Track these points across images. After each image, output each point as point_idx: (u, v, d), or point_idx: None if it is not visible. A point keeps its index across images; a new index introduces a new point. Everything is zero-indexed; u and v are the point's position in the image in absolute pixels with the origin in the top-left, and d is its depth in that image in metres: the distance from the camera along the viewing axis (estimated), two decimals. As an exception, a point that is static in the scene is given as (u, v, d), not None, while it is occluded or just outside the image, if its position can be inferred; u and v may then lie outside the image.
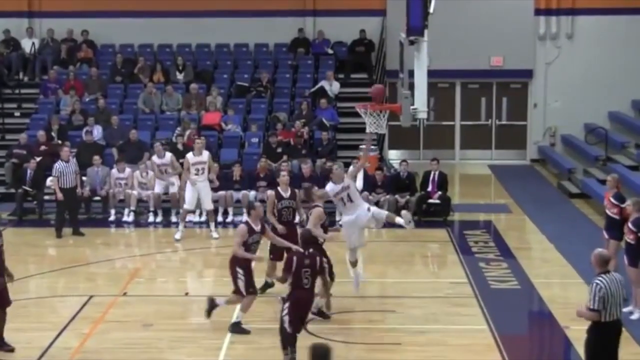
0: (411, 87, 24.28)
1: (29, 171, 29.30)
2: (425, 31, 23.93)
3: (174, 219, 28.22)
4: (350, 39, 36.59)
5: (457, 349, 17.66)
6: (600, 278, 13.68)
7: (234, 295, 18.40)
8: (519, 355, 17.71)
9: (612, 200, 21.02)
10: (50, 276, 23.90)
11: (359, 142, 29.98)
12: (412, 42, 24.22)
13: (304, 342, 17.53)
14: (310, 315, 17.69)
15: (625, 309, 16.13)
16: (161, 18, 36.66)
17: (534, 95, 37.85)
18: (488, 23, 36.00)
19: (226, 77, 35.47)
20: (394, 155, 35.18)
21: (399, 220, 19.37)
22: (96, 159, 29.21)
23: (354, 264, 19.69)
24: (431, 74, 24.95)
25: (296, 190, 21.33)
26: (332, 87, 34.10)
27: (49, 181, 27.94)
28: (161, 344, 18.04)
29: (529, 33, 37.18)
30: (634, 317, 16.23)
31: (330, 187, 19.71)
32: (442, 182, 28.94)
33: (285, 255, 17.96)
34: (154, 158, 28.59)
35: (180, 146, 29.89)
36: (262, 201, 27.22)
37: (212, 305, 18.69)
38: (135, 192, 28.77)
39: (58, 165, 27.36)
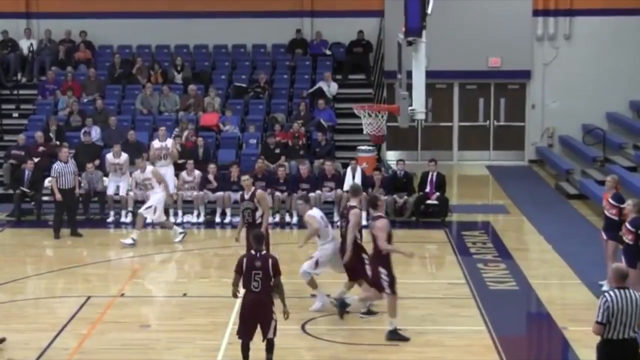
0: (409, 88, 24.29)
1: (27, 172, 29.28)
2: (424, 32, 23.95)
3: (171, 219, 28.17)
4: (348, 39, 36.62)
5: (455, 350, 17.65)
6: (610, 292, 13.25)
7: (369, 292, 18.75)
8: (517, 356, 17.70)
9: (611, 201, 21.05)
10: (48, 277, 23.89)
11: (356, 143, 30.06)
12: (410, 43, 24.24)
13: (304, 344, 17.67)
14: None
15: None
16: (159, 19, 36.71)
17: (532, 96, 37.90)
18: (486, 24, 36.05)
19: (224, 78, 35.49)
20: (392, 156, 35.16)
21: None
22: (89, 166, 29.20)
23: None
24: (429, 74, 24.96)
25: (257, 191, 21.19)
26: (330, 88, 34.14)
27: (47, 182, 27.93)
28: (159, 345, 18.06)
29: (526, 34, 37.23)
30: None
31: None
32: (440, 183, 28.93)
33: None
34: (154, 142, 28.63)
35: (178, 147, 29.83)
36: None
37: (343, 305, 18.93)
38: (132, 194, 28.77)
39: (57, 166, 27.34)
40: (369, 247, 18.89)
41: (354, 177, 28.43)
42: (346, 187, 27.96)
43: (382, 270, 18.03)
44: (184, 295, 21.66)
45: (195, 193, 28.91)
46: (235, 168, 29.25)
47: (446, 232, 27.58)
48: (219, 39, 37.27)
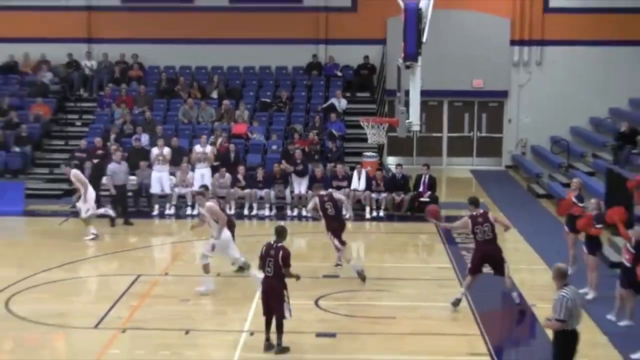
0: (406, 104, 24.33)
1: (87, 171, 29.39)
2: (419, 57, 23.97)
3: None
4: (356, 63, 36.64)
5: (443, 322, 17.75)
6: (565, 291, 12.83)
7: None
8: (493, 327, 17.74)
9: (574, 200, 21.09)
10: (105, 259, 24.00)
11: (362, 149, 30.09)
12: (408, 67, 24.27)
13: (315, 316, 17.75)
14: None
15: (581, 290, 16.16)
16: (198, 44, 36.73)
17: (509, 112, 37.86)
18: (471, 51, 36.02)
19: (252, 94, 35.49)
20: (391, 161, 35.20)
21: None
22: (142, 164, 29.36)
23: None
24: (423, 93, 25.00)
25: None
26: (341, 103, 34.10)
27: (104, 179, 28.03)
28: (196, 316, 18.16)
29: (505, 60, 37.19)
30: (588, 297, 16.29)
31: None
32: (432, 184, 29.08)
33: None
34: (196, 147, 28.71)
35: (215, 151, 30.04)
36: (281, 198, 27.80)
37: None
38: (176, 190, 28.90)
39: (111, 166, 27.61)
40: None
41: (359, 178, 28.63)
42: (353, 186, 28.23)
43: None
44: (218, 275, 21.73)
45: (226, 191, 29.00)
46: (261, 170, 29.41)
47: (436, 225, 27.57)
48: (248, 61, 37.28)
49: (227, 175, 29.23)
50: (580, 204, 20.88)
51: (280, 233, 15.88)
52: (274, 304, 15.54)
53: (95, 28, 37.68)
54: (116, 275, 21.16)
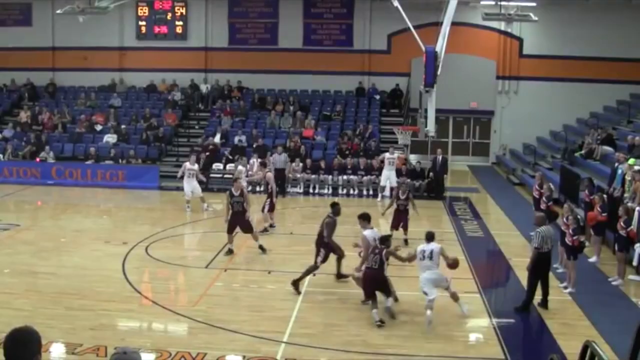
0: (425, 117, 24.21)
1: (202, 160, 29.52)
2: (435, 85, 23.80)
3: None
4: (389, 89, 36.40)
5: (446, 269, 17.50)
6: (540, 228, 14.52)
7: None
8: (483, 273, 17.61)
9: (537, 187, 21.17)
10: (212, 220, 23.96)
11: (391, 146, 29.87)
12: (427, 91, 24.18)
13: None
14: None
15: (561, 285, 15.97)
16: (280, 74, 36.67)
17: (494, 126, 37.44)
18: (469, 82, 35.66)
19: (317, 109, 35.35)
20: (413, 158, 34.94)
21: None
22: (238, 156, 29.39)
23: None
24: (436, 111, 24.87)
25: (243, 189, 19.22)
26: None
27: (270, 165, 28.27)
28: (275, 261, 18.11)
29: (492, 89, 36.77)
30: (567, 290, 15.96)
31: None
32: (444, 163, 28.68)
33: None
34: (275, 155, 28.60)
35: (290, 147, 30.09)
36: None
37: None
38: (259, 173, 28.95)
39: (275, 156, 28.32)
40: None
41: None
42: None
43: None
44: (291, 233, 21.62)
45: (299, 175, 28.98)
46: (322, 161, 29.37)
47: (443, 203, 27.40)
48: (315, 86, 37.13)
49: (300, 164, 29.22)
50: (541, 190, 20.85)
51: (383, 239, 14.23)
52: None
53: (209, 62, 37.76)
54: (220, 232, 21.12)
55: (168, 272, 17.29)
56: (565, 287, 15.84)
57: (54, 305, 14.04)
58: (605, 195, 18.99)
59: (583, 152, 27.71)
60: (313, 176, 29.05)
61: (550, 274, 14.99)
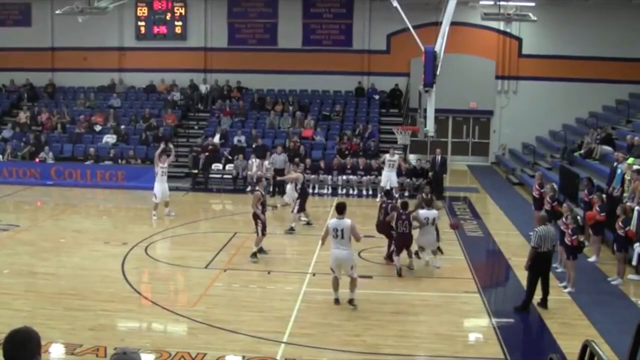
0: (424, 117, 24.21)
1: (201, 160, 29.53)
2: (434, 85, 23.80)
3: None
4: (389, 88, 36.32)
5: (446, 269, 17.58)
6: (538, 228, 14.49)
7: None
8: (483, 273, 17.61)
9: (537, 187, 21.15)
10: (212, 220, 24.08)
11: (391, 146, 29.86)
12: (426, 91, 24.15)
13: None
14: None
15: (560, 284, 15.98)
16: (280, 74, 36.65)
17: (494, 125, 37.41)
18: (468, 82, 35.64)
19: (316, 109, 35.31)
20: (413, 157, 34.91)
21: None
22: (239, 157, 29.44)
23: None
24: (435, 110, 24.85)
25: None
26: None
27: (266, 163, 28.54)
28: (275, 261, 18.11)
29: (492, 89, 36.76)
30: (567, 290, 15.96)
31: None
32: (443, 163, 28.62)
33: None
34: (274, 155, 28.56)
35: (289, 147, 30.10)
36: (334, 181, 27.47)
37: None
38: (260, 174, 28.87)
39: (274, 156, 28.26)
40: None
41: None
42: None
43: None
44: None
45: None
46: (322, 161, 29.38)
47: (442, 203, 27.38)
48: (314, 86, 37.13)
49: (300, 164, 29.21)
50: (541, 190, 20.87)
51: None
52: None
53: (209, 62, 37.73)
54: (220, 232, 21.15)
55: (167, 273, 17.29)
56: (565, 287, 15.84)
57: (54, 305, 14.03)
58: (604, 195, 19.01)
59: (582, 151, 27.70)
60: (312, 176, 29.03)
61: (551, 274, 15.00)
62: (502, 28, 36.11)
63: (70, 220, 23.21)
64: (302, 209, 22.09)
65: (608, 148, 26.10)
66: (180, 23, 37.58)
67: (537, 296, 14.57)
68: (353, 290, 14.36)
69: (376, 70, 36.91)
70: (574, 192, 22.85)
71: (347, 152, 30.33)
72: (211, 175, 29.80)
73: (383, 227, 18.27)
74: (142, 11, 37.64)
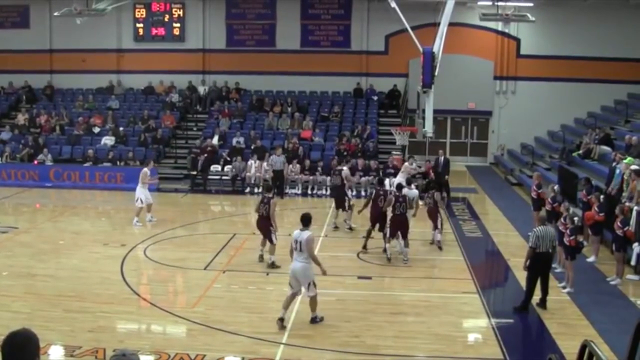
0: (423, 118, 24.24)
1: (199, 161, 29.52)
2: (432, 86, 23.82)
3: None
4: (387, 89, 36.34)
5: (445, 270, 17.66)
6: (536, 228, 14.53)
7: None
8: (480, 273, 17.63)
9: (535, 188, 21.18)
10: (211, 221, 24.08)
11: (391, 149, 29.91)
12: (424, 92, 24.22)
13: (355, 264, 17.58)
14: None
15: (559, 284, 15.99)
16: (278, 75, 36.65)
17: (492, 126, 37.44)
18: (467, 83, 35.65)
19: (315, 110, 35.35)
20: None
21: None
22: (238, 158, 29.48)
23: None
24: (434, 111, 24.87)
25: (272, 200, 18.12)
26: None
27: (264, 165, 28.69)
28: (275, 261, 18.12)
29: (490, 89, 36.78)
30: (566, 290, 15.97)
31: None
32: (446, 164, 28.59)
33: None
34: (273, 157, 28.52)
35: (288, 148, 30.10)
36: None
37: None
38: (259, 175, 28.93)
39: (273, 157, 28.07)
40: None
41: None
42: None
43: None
44: (289, 234, 21.62)
45: (297, 176, 29.01)
46: (320, 163, 29.39)
47: (441, 203, 27.35)
48: (312, 87, 37.20)
49: (297, 165, 29.23)
50: (539, 190, 20.89)
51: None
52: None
53: (207, 63, 37.72)
54: (219, 234, 21.16)
55: (166, 274, 17.28)
56: (564, 287, 15.85)
57: (53, 307, 14.02)
58: (602, 195, 19.01)
59: (581, 152, 27.72)
60: (311, 177, 29.05)
61: (550, 274, 15.00)
62: (500, 28, 36.15)
63: (69, 222, 23.20)
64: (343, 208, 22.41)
65: (607, 148, 26.12)
66: (178, 24, 37.59)
67: (536, 296, 14.59)
68: (313, 309, 13.49)
69: (374, 71, 36.92)
70: (573, 193, 22.87)
71: (345, 153, 30.35)
72: (210, 177, 29.80)
73: (379, 216, 19.02)
74: (140, 13, 37.64)
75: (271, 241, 17.61)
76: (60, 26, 36.24)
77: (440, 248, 19.44)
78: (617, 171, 20.28)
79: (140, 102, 36.77)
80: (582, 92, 35.18)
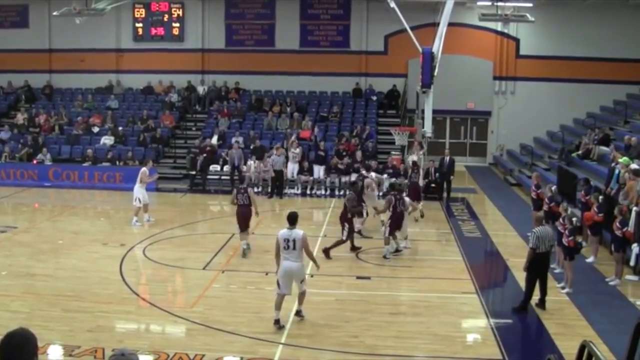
0: (422, 118, 24.28)
1: (198, 161, 29.51)
2: (432, 86, 23.86)
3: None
4: (387, 89, 36.34)
5: (444, 270, 17.59)
6: (536, 229, 14.53)
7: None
8: (479, 273, 17.63)
9: (534, 188, 21.21)
10: (210, 221, 24.08)
11: (390, 149, 29.92)
12: (424, 92, 24.26)
13: (355, 264, 17.58)
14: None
15: (558, 285, 15.99)
16: (277, 75, 36.67)
17: (491, 126, 37.46)
18: (466, 83, 35.67)
19: (314, 110, 35.35)
20: (410, 158, 34.92)
21: None
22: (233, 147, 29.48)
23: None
24: (433, 111, 24.91)
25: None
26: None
27: (263, 166, 28.71)
28: (273, 263, 18.02)
29: (489, 89, 36.81)
30: (565, 291, 15.97)
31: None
32: (451, 165, 28.67)
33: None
34: (274, 157, 28.53)
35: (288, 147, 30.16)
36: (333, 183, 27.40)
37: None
38: (258, 174, 28.97)
39: (273, 157, 28.13)
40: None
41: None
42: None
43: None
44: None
45: (297, 176, 29.02)
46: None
47: (441, 203, 27.42)
48: (311, 87, 37.21)
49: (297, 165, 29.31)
50: (539, 191, 20.91)
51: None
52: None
53: (207, 63, 37.73)
54: (217, 234, 21.16)
55: (165, 274, 17.28)
56: (563, 288, 15.85)
57: (52, 307, 14.02)
58: (601, 196, 19.01)
59: (580, 152, 27.75)
60: (311, 178, 29.05)
61: (549, 275, 15.01)
62: (499, 29, 36.15)
63: (68, 221, 23.19)
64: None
65: (606, 149, 26.13)
66: (177, 24, 37.59)
67: (535, 297, 14.59)
68: (301, 302, 13.65)
69: (374, 71, 36.92)
70: (572, 193, 22.88)
71: (344, 153, 30.34)
72: (209, 177, 29.80)
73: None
74: (140, 13, 37.65)
75: (248, 227, 18.79)
76: (59, 26, 36.23)
77: (385, 258, 18.64)
78: (616, 171, 20.26)
79: (140, 101, 36.76)
80: (581, 93, 35.19)
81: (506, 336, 13.12)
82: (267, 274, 16.79)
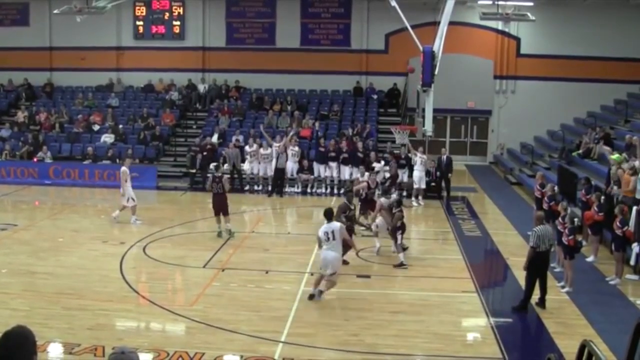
0: (423, 117, 24.23)
1: (198, 160, 29.50)
2: (432, 85, 23.82)
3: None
4: (387, 88, 36.33)
5: (444, 269, 17.59)
6: (536, 228, 14.56)
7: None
8: (480, 272, 17.64)
9: (538, 187, 21.17)
10: (210, 220, 24.04)
11: (390, 147, 29.87)
12: (424, 91, 24.18)
13: (355, 263, 17.58)
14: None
15: (558, 284, 15.98)
16: (278, 74, 36.66)
17: (492, 125, 37.45)
18: (466, 82, 35.63)
19: (315, 108, 35.29)
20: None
21: None
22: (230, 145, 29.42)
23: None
24: (434, 110, 24.82)
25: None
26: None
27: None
28: (273, 261, 18.11)
29: (490, 88, 36.79)
30: (565, 290, 15.97)
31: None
32: (449, 163, 28.65)
33: None
34: (274, 144, 28.61)
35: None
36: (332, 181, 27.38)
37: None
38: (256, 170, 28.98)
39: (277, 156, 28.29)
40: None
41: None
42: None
43: None
44: (289, 233, 21.65)
45: (296, 175, 29.04)
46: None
47: (441, 202, 27.42)
48: (312, 86, 37.13)
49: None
50: (542, 190, 20.89)
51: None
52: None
53: (207, 61, 37.72)
54: (216, 232, 21.13)
55: (166, 272, 17.27)
56: (563, 287, 15.85)
57: (52, 305, 14.02)
58: (602, 195, 19.01)
59: (580, 151, 27.74)
60: (311, 177, 29.03)
61: (549, 274, 15.01)
62: (500, 28, 36.14)
63: (69, 219, 23.20)
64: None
65: (606, 148, 26.12)
66: (178, 23, 37.57)
67: (535, 296, 14.59)
68: (325, 287, 14.90)
69: (374, 70, 36.90)
70: (573, 192, 22.87)
71: (345, 152, 30.30)
72: (209, 175, 29.72)
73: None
74: (140, 11, 37.63)
75: (226, 213, 20.43)
76: (60, 24, 36.18)
77: (403, 265, 18.18)
78: (609, 168, 20.35)
79: (140, 100, 36.74)
80: (582, 92, 35.16)
81: (506, 335, 13.12)
82: (267, 272, 16.84)
